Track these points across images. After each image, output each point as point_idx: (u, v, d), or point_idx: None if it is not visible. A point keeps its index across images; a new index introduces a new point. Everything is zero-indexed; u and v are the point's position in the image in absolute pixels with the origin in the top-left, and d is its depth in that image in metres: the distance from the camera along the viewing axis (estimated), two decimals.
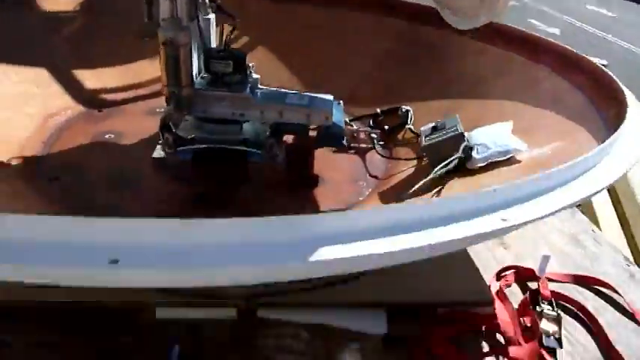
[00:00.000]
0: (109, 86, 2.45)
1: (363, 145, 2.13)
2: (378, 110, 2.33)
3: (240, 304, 1.37)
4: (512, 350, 1.33)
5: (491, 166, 1.55)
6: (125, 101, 2.40)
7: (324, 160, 2.01)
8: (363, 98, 2.47)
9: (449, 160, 1.46)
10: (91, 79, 2.43)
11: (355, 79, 2.63)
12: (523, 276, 1.62)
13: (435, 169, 1.46)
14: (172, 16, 1.70)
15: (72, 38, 2.54)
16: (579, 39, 8.44)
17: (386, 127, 2.21)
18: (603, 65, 2.03)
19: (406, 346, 1.35)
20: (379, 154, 2.05)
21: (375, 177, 1.92)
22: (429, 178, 1.45)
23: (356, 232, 0.91)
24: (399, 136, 2.19)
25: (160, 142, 1.89)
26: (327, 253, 0.86)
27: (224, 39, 1.87)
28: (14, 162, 1.79)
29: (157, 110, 2.34)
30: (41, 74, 2.30)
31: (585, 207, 2.66)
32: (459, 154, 1.49)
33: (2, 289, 1.27)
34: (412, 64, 2.61)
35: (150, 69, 2.60)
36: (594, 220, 2.57)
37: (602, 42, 8.69)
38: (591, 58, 2.17)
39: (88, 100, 2.32)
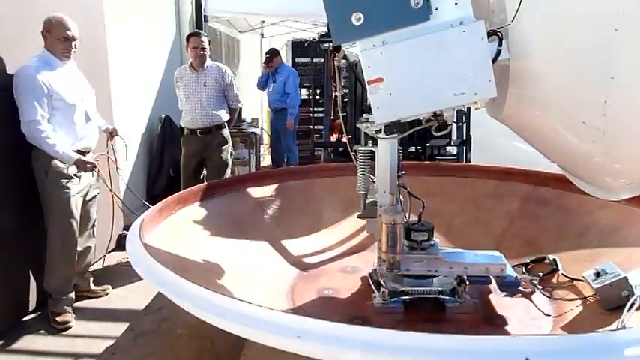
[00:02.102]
0: (306, 252, 3.17)
1: (526, 290, 2.65)
2: (528, 260, 2.90)
3: None
4: None
5: None
6: (322, 263, 3.09)
7: (499, 301, 2.55)
8: (507, 250, 3.01)
9: (633, 299, 1.95)
10: (293, 246, 3.17)
11: (497, 234, 3.25)
12: None
13: (628, 309, 1.93)
14: (392, 204, 2.43)
15: (275, 216, 3.35)
16: None
17: (540, 273, 2.75)
18: None
19: None
20: (545, 295, 2.56)
21: (549, 315, 2.41)
22: (627, 316, 1.91)
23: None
24: (553, 280, 2.71)
25: (375, 294, 2.52)
26: None
27: (418, 215, 2.58)
28: None
29: (348, 269, 3.04)
30: (263, 245, 3.06)
31: None
32: (637, 294, 2.00)
33: None
34: (543, 220, 3.21)
35: (331, 237, 3.37)
36: None
37: None
38: None
39: (296, 264, 3.03)
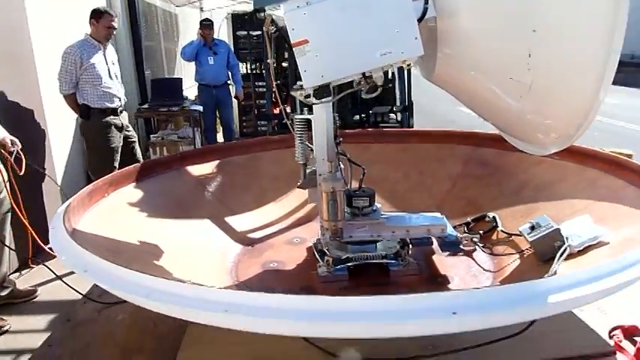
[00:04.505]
0: (251, 227, 3.11)
1: (467, 248, 2.69)
2: (469, 219, 2.94)
3: None
4: None
5: (585, 249, 2.10)
6: (267, 237, 3.05)
7: (442, 261, 2.59)
8: (450, 211, 3.04)
9: (564, 249, 2.01)
10: (237, 223, 3.10)
11: (440, 197, 3.28)
12: (629, 332, 2.08)
13: (558, 258, 1.99)
14: (330, 172, 2.40)
15: (217, 193, 3.27)
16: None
17: (480, 231, 2.80)
18: (629, 155, 2.62)
19: None
20: (485, 252, 2.61)
21: (489, 271, 2.46)
22: (556, 265, 1.97)
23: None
24: (493, 237, 2.77)
25: (319, 264, 2.50)
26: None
27: (359, 181, 2.56)
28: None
29: (294, 241, 3.01)
30: (205, 224, 2.98)
31: None
32: (567, 243, 2.05)
33: None
34: (483, 180, 3.27)
35: (277, 210, 3.32)
36: None
37: (612, 127, 9.33)
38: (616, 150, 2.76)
39: (241, 240, 2.97)
